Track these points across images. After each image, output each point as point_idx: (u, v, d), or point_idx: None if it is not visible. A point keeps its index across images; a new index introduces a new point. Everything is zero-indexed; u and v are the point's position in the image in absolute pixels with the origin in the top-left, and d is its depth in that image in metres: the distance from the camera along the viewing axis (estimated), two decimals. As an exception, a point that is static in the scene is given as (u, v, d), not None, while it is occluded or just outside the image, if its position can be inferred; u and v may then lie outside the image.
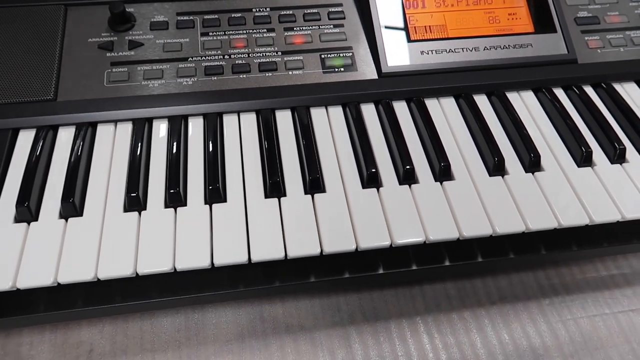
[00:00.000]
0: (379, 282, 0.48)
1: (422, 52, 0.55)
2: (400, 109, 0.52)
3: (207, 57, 0.53)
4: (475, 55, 0.55)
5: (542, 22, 0.57)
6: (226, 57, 0.53)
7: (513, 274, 0.50)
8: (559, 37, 0.57)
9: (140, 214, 0.43)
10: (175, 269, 0.40)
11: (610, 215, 0.44)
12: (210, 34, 0.55)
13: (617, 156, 0.49)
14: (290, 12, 0.57)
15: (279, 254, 0.40)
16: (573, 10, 0.60)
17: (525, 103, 0.54)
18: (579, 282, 0.50)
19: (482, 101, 0.53)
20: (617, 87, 0.56)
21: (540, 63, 0.56)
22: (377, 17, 0.55)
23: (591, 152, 0.48)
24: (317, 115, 0.51)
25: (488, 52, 0.55)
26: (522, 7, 0.58)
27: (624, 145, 0.49)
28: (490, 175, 0.47)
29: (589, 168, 0.48)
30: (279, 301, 0.48)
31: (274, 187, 0.44)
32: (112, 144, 0.48)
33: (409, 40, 0.55)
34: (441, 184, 0.46)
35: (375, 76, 0.54)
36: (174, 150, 0.46)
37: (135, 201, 0.43)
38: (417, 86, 0.53)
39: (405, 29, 0.55)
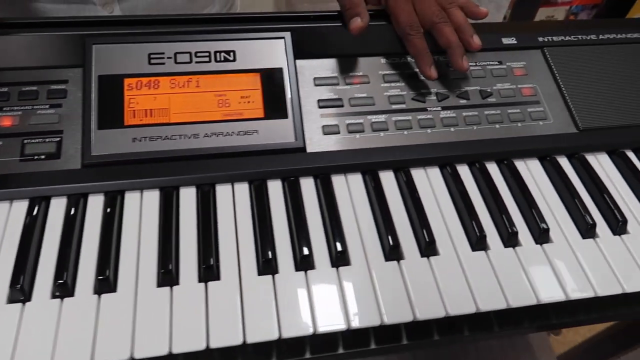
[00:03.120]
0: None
1: (134, 139, 0.52)
2: (95, 206, 0.50)
3: None
4: (194, 142, 0.53)
5: (275, 106, 0.55)
6: None
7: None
8: (289, 123, 0.55)
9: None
10: None
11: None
12: None
13: (300, 264, 0.47)
14: (6, 89, 0.54)
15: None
16: (320, 91, 0.59)
17: (234, 198, 0.52)
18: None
19: (188, 195, 0.51)
20: (337, 179, 0.54)
21: (265, 152, 0.54)
22: (95, 96, 0.53)
23: (271, 259, 0.47)
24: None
25: (208, 140, 0.53)
26: (257, 90, 0.56)
27: (307, 253, 0.47)
28: (198, 282, 0.46)
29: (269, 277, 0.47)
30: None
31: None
32: None
33: (122, 125, 0.52)
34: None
35: (78, 166, 0.51)
36: None
37: None
38: (119, 179, 0.50)
39: (121, 112, 0.53)
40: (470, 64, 0.64)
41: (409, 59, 0.63)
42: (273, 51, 0.57)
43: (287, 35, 0.58)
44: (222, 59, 0.56)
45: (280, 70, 0.57)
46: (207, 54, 0.56)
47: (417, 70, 0.62)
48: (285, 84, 0.56)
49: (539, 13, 1.28)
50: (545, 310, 0.49)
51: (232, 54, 0.57)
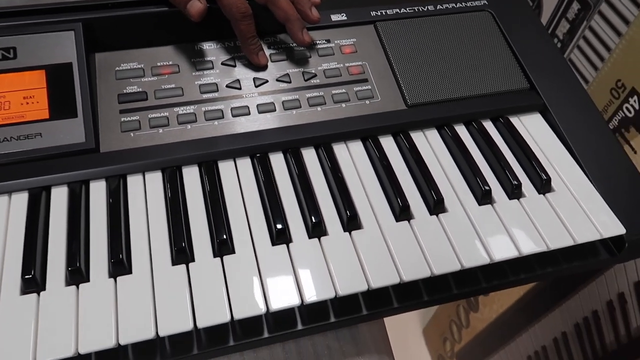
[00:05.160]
0: None
1: None
2: None
3: None
4: (-36, 153, 0.48)
5: (62, 105, 0.50)
6: None
7: None
8: (78, 123, 0.50)
9: None
10: None
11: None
12: None
13: (70, 277, 0.43)
14: None
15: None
16: (122, 85, 0.54)
17: (9, 210, 0.47)
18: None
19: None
20: (134, 179, 0.50)
21: (48, 156, 0.49)
22: None
23: (34, 276, 0.42)
24: None
25: (-18, 148, 0.48)
26: (42, 89, 0.51)
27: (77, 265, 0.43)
28: None
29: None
30: None
31: None
32: None
33: None
34: None
35: None
36: None
37: None
38: None
39: None
40: (294, 45, 0.60)
41: (226, 43, 0.59)
42: (60, 45, 0.52)
43: (78, 26, 0.53)
44: (0, 57, 0.51)
45: (69, 65, 0.52)
46: (-18, 53, 0.51)
47: (235, 55, 0.58)
48: (75, 80, 0.51)
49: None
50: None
51: (12, 51, 0.51)
